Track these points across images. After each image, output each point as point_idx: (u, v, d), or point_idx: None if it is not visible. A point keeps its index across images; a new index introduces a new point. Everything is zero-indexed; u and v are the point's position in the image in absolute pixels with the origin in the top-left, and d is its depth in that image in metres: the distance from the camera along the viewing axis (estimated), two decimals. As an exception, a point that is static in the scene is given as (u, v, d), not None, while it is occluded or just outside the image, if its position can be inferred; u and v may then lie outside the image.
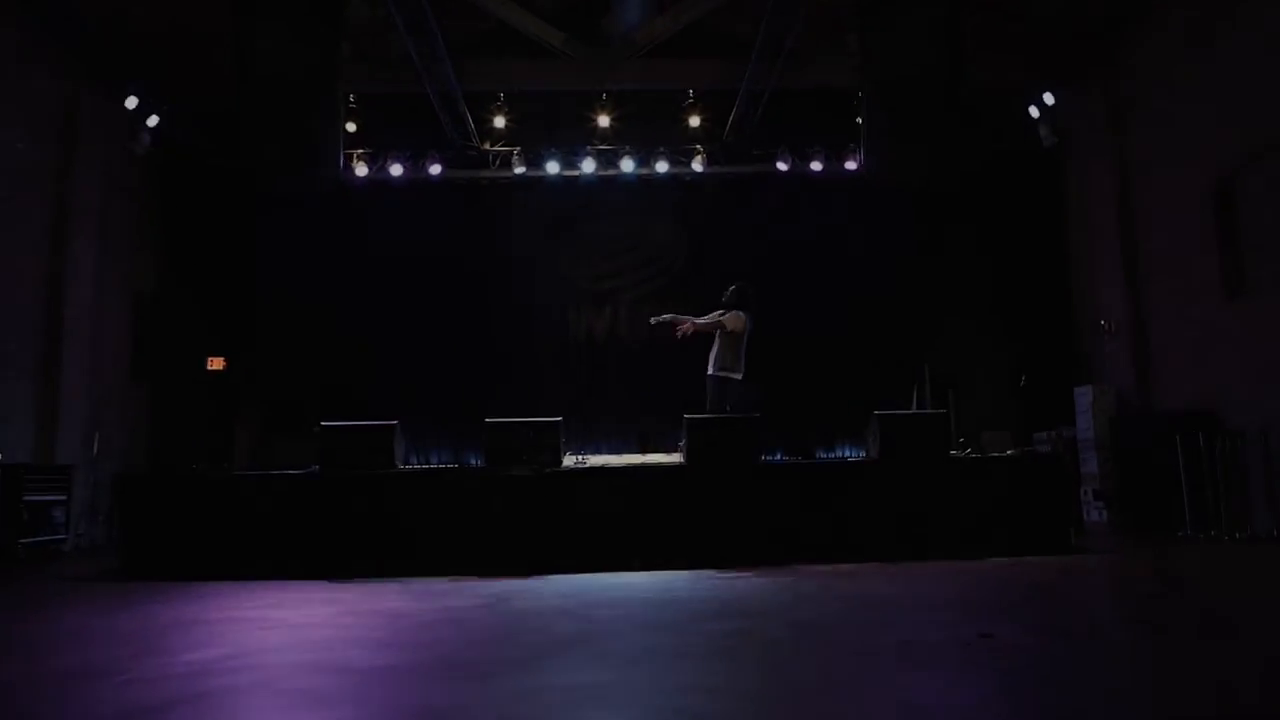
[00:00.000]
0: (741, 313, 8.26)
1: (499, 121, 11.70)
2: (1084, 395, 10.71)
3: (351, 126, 11.68)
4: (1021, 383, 11.12)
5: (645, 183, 12.07)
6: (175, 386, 11.68)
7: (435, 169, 11.63)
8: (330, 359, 11.33)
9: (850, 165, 11.79)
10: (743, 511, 6.89)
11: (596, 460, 9.41)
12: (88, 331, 10.12)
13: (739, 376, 8.18)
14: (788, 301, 11.95)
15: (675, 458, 10.39)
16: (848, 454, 11.77)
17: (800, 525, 6.86)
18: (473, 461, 11.12)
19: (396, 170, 11.65)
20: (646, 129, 11.79)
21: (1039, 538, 6.90)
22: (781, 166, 11.72)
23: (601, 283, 12.13)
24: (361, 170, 11.64)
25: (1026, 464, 7.38)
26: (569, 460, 7.86)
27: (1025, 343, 11.63)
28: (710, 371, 8.21)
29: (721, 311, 8.35)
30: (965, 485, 7.04)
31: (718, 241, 12.18)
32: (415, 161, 11.68)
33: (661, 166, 11.71)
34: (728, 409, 8.01)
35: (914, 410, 9.24)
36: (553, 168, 11.69)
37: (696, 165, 11.76)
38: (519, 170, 11.69)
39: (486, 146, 11.84)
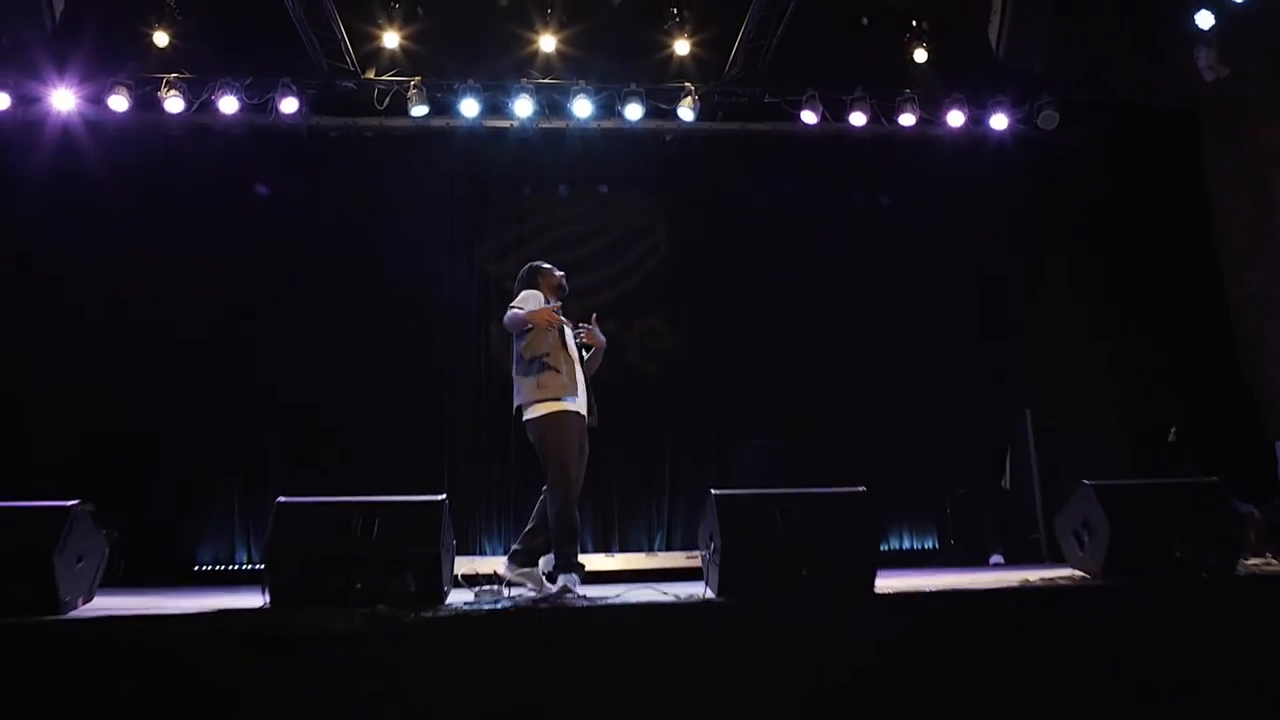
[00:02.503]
0: (530, 292, 4.64)
1: (389, 39, 7.78)
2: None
3: (163, 39, 7.65)
4: (1171, 436, 7.41)
5: (609, 137, 8.20)
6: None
7: (289, 105, 7.63)
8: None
9: (906, 119, 8.07)
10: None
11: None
12: None
13: (580, 410, 4.59)
14: (815, 312, 8.13)
15: (666, 562, 6.34)
16: (917, 544, 7.86)
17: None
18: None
19: (229, 105, 7.61)
20: (612, 59, 7.96)
21: None
22: (808, 118, 7.98)
23: (541, 285, 8.15)
24: (175, 105, 7.58)
25: None
26: (466, 593, 3.93)
27: (1163, 380, 7.93)
28: (525, 413, 4.56)
29: (518, 307, 4.53)
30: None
31: (715, 225, 8.33)
32: (258, 95, 7.67)
33: (633, 112, 7.86)
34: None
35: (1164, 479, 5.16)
36: (469, 110, 7.76)
37: (685, 113, 7.93)
38: (417, 112, 7.74)
39: (370, 76, 7.89)
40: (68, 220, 7.51)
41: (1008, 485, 7.84)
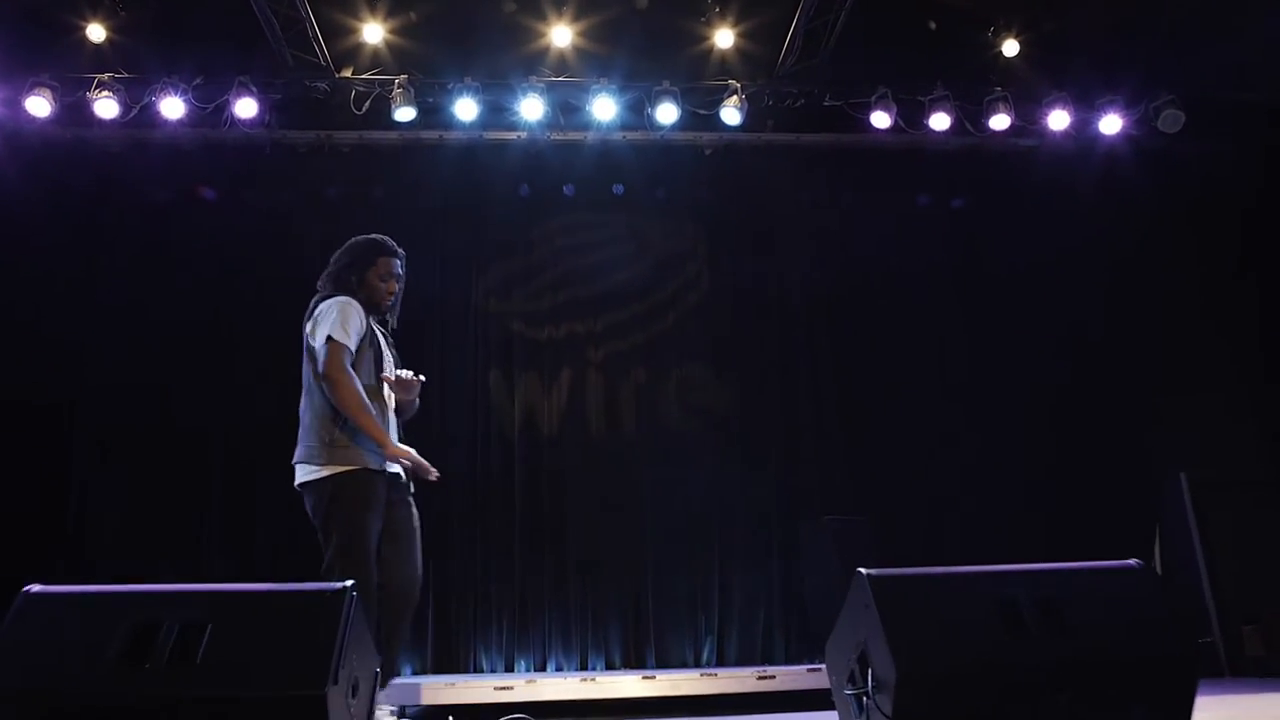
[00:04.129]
0: (350, 303, 3.33)
1: (369, 32, 6.43)
2: None
3: (99, 33, 6.33)
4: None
5: (637, 150, 6.74)
6: None
7: (246, 109, 6.23)
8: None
9: (998, 122, 6.59)
10: None
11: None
12: None
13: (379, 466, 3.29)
14: (896, 358, 6.54)
15: (727, 684, 4.51)
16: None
17: None
18: None
19: (173, 109, 6.20)
20: (640, 55, 6.58)
21: None
22: (879, 122, 6.52)
23: (553, 327, 6.58)
24: (108, 109, 6.20)
25: None
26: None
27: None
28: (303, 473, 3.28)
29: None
30: None
31: (767, 254, 6.81)
32: (211, 99, 6.30)
33: (666, 115, 6.41)
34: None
35: None
36: (466, 112, 6.33)
37: (730, 115, 6.47)
38: (403, 115, 6.32)
39: (348, 74, 6.52)
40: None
41: (1159, 567, 6.08)
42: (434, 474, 3.36)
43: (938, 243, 6.82)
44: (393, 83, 6.30)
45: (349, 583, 2.10)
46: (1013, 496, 6.16)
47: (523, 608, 6.03)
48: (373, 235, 3.55)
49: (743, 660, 5.92)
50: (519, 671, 5.89)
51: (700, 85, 6.53)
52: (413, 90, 6.32)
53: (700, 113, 6.57)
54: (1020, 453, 6.30)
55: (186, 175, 6.47)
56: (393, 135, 6.61)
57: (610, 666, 5.93)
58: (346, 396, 3.12)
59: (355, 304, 3.28)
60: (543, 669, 5.93)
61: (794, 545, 5.98)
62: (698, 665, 5.94)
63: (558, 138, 6.67)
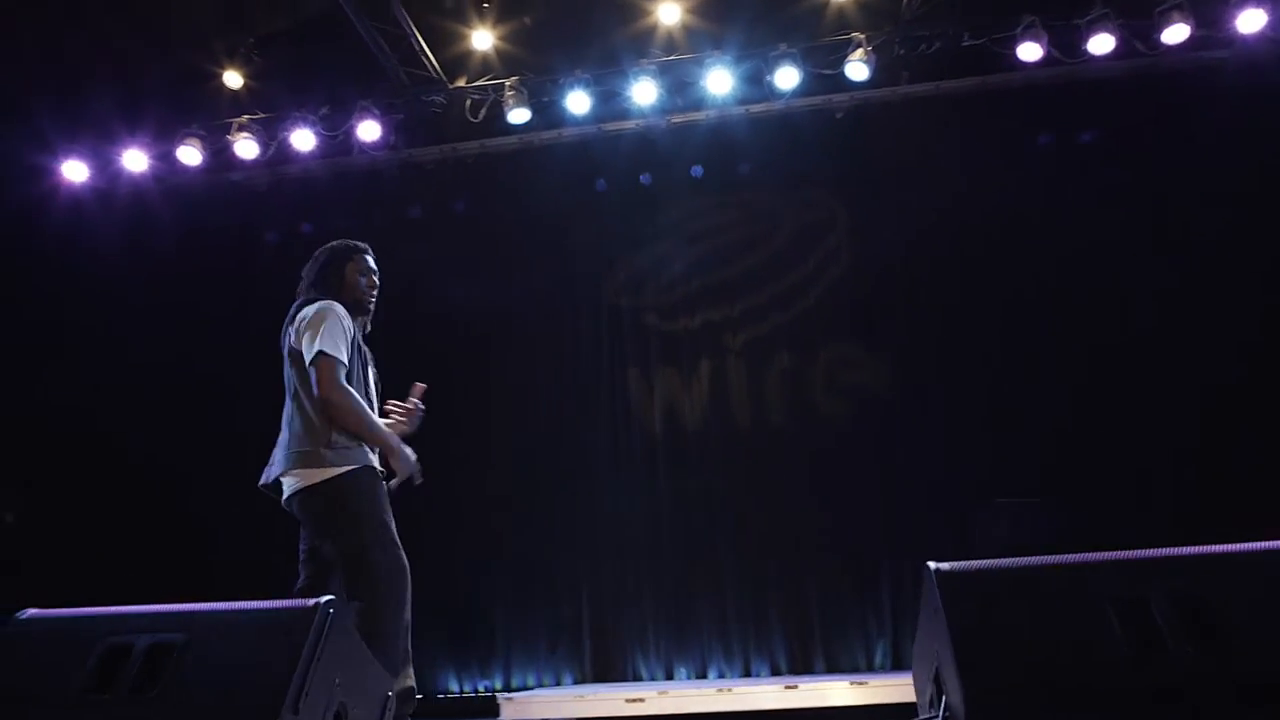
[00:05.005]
0: (335, 308, 3.14)
1: (478, 39, 6.41)
2: None
3: (236, 80, 6.65)
4: None
5: (759, 124, 6.35)
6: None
7: (369, 131, 6.35)
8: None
9: (1174, 34, 5.70)
10: None
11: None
12: None
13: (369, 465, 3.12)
14: (1070, 321, 5.80)
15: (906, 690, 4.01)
16: None
17: None
18: None
19: (304, 141, 6.42)
20: (750, 22, 6.20)
21: None
22: (1028, 54, 5.82)
23: (688, 318, 6.28)
24: (249, 150, 6.48)
25: None
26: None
27: None
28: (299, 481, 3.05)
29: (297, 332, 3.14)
30: None
31: (913, 217, 6.21)
32: (337, 126, 6.46)
33: (787, 79, 5.99)
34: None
35: None
36: (578, 105, 6.17)
37: (856, 70, 5.97)
38: (517, 118, 6.23)
39: (462, 83, 6.52)
40: (143, 285, 6.50)
41: None
42: (419, 479, 3.16)
43: (1110, 186, 5.98)
44: (504, 86, 6.25)
45: (325, 599, 1.89)
46: (1233, 471, 5.26)
47: (679, 614, 5.73)
48: (343, 239, 3.37)
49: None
50: (679, 680, 5.59)
51: (821, 44, 6.07)
52: (525, 91, 6.23)
53: (825, 73, 6.10)
54: (1237, 420, 5.38)
55: (322, 204, 6.65)
56: (512, 140, 6.55)
57: (776, 672, 5.52)
58: (349, 415, 2.98)
59: (339, 308, 3.10)
60: (703, 676, 5.61)
61: (961, 530, 5.35)
62: (870, 670, 5.42)
63: (678, 119, 6.39)
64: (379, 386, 3.38)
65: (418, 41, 6.07)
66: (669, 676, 5.62)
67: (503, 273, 6.52)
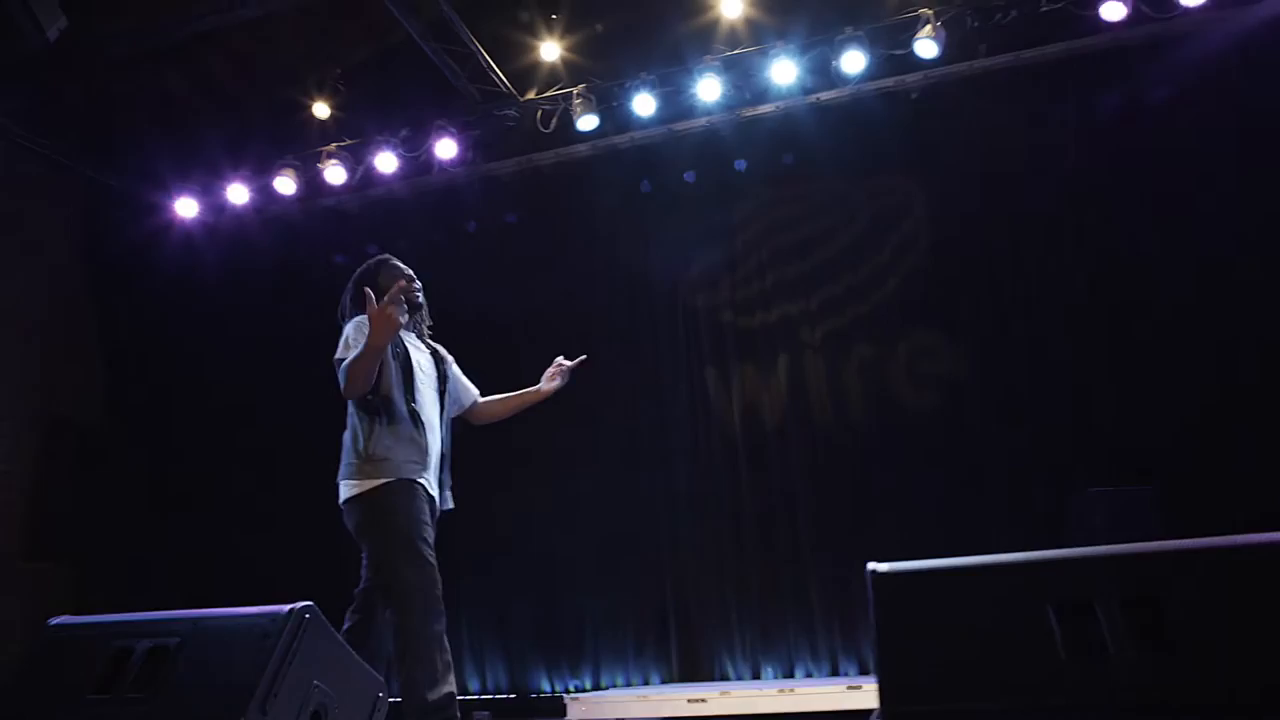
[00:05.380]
0: (358, 322, 3.28)
1: (547, 49, 6.52)
2: None
3: (324, 110, 7.00)
4: None
5: (827, 113, 6.21)
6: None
7: (446, 150, 6.55)
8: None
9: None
10: None
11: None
12: None
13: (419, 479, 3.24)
14: (1173, 296, 5.42)
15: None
16: None
17: None
18: None
19: (387, 164, 6.70)
20: (815, 10, 6.07)
21: None
22: (1113, 14, 5.48)
23: (764, 313, 6.21)
24: (337, 175, 6.81)
25: None
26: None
27: None
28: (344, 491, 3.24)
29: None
30: None
31: (997, 197, 5.94)
32: (417, 147, 6.70)
33: (853, 63, 5.84)
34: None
35: None
36: (644, 107, 6.19)
37: (925, 49, 5.77)
38: (586, 124, 6.30)
39: (532, 95, 6.63)
40: (245, 311, 6.94)
41: None
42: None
43: (1213, 148, 5.54)
44: (571, 94, 6.33)
45: (302, 605, 1.98)
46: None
47: (764, 614, 5.68)
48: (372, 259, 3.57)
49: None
50: (765, 679, 5.54)
51: (888, 24, 5.88)
52: (593, 98, 6.30)
53: (895, 54, 5.92)
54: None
55: (408, 222, 6.91)
56: (584, 147, 6.63)
57: (864, 672, 5.39)
58: (351, 373, 3.07)
59: (364, 320, 3.21)
60: (790, 676, 5.54)
61: (1058, 520, 5.08)
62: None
63: (748, 113, 6.31)
64: (445, 380, 3.49)
65: (485, 59, 6.23)
66: (756, 676, 5.58)
67: (583, 276, 6.61)
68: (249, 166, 7.03)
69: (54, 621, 2.11)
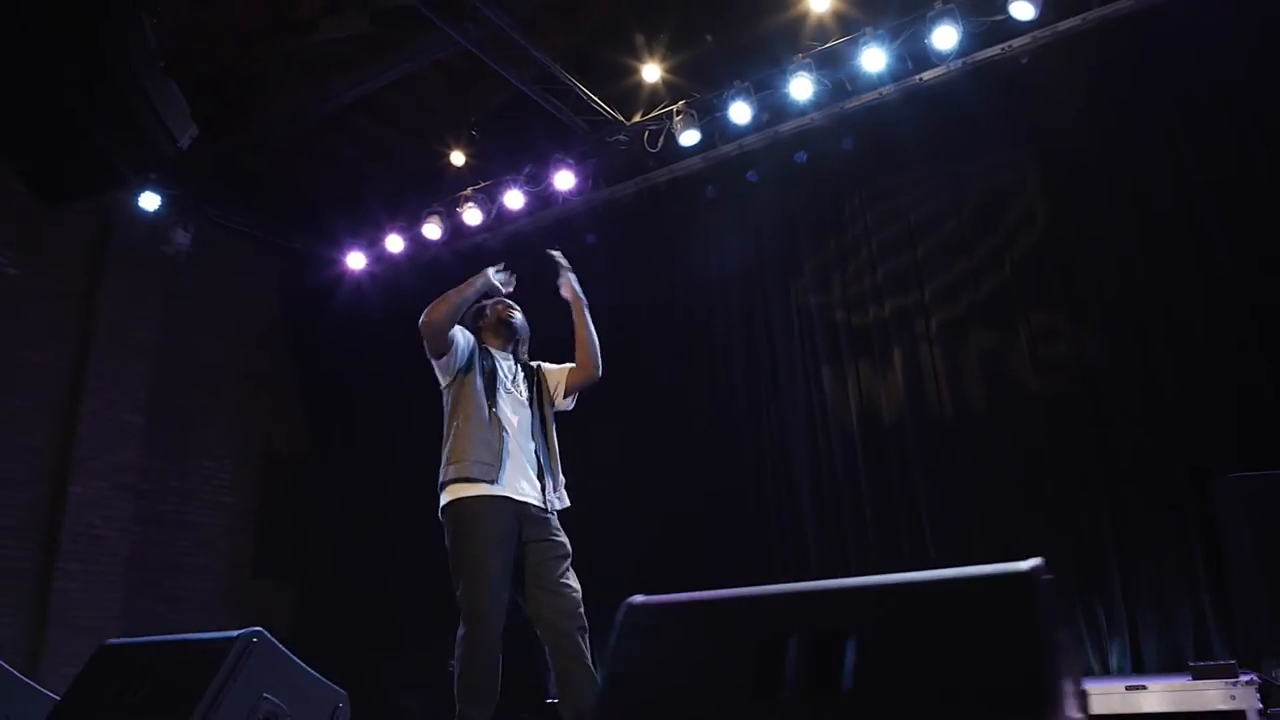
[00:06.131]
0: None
1: (649, 71, 6.69)
2: None
3: (459, 158, 7.57)
4: None
5: (916, 99, 5.96)
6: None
7: (564, 181, 6.90)
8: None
9: None
10: None
11: None
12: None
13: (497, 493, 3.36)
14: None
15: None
16: None
17: None
18: None
19: (515, 201, 7.15)
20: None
21: None
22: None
23: (877, 307, 6.02)
24: (474, 217, 7.33)
25: None
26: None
27: None
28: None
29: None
30: None
31: (1119, 162, 5.43)
32: (539, 182, 7.08)
33: (945, 38, 5.57)
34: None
35: None
36: (740, 115, 6.21)
37: (1020, 10, 5.39)
38: (688, 139, 6.40)
39: (637, 119, 6.82)
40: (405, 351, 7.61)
41: None
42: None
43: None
44: (671, 111, 6.47)
45: (250, 630, 2.25)
46: None
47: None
48: None
49: (1164, 667, 4.67)
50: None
51: (981, -3, 5.56)
52: (694, 113, 6.41)
53: (994, 20, 5.59)
54: None
55: (534, 251, 7.30)
56: (696, 160, 6.75)
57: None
58: (440, 307, 3.34)
59: (463, 331, 3.47)
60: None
61: (1208, 507, 4.57)
62: (1107, 674, 4.82)
63: (853, 104, 6.18)
64: (537, 389, 3.65)
65: (582, 91, 6.51)
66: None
67: (702, 285, 6.72)
68: (403, 217, 7.73)
69: (109, 643, 2.56)
